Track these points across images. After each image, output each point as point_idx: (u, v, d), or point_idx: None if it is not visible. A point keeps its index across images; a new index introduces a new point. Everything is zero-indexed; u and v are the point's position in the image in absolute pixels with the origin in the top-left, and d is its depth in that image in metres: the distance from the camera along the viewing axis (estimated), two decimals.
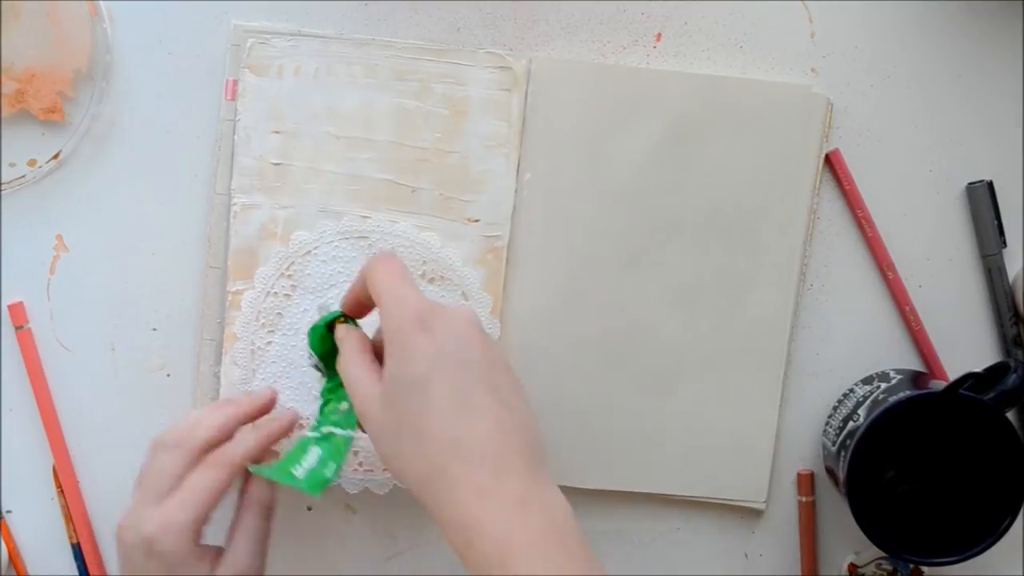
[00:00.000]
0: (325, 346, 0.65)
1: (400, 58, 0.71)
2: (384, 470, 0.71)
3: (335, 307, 0.65)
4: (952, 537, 0.68)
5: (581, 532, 0.56)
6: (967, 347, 0.74)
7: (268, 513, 0.67)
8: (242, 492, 0.67)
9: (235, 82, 0.72)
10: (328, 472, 0.63)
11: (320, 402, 0.66)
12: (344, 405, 0.65)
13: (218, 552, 0.65)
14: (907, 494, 0.70)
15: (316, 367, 0.67)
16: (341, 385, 0.63)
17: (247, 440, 0.66)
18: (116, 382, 0.74)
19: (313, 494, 0.63)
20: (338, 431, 0.65)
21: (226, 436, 0.66)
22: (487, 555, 0.54)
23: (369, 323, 0.64)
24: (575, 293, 0.73)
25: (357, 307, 0.65)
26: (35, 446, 0.74)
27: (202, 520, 0.63)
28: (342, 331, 0.64)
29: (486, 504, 0.55)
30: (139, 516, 0.63)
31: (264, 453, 0.67)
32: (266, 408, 0.68)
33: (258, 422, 0.68)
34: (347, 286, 0.70)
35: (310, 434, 0.65)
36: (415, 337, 0.58)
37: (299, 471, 0.64)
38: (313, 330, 0.65)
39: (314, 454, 0.64)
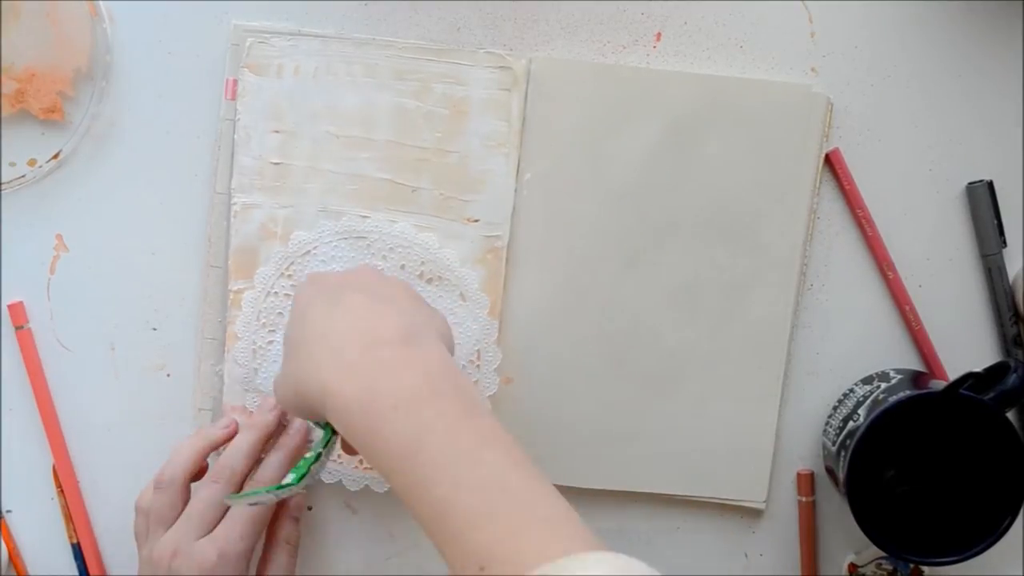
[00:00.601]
0: None
1: (400, 58, 0.71)
2: None
3: None
4: (952, 537, 0.68)
5: (460, 380, 0.58)
6: (967, 347, 0.74)
7: (295, 551, 0.71)
8: (270, 532, 0.70)
9: (235, 82, 0.72)
10: (287, 480, 0.63)
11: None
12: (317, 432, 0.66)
13: None
14: (907, 494, 0.70)
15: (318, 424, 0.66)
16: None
17: (274, 463, 0.68)
18: (116, 382, 0.74)
19: (270, 492, 0.63)
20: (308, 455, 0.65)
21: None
22: (358, 425, 0.56)
23: None
24: (575, 293, 0.73)
25: None
26: (35, 446, 0.74)
27: (253, 548, 0.67)
28: None
29: (354, 377, 0.57)
30: (185, 545, 0.65)
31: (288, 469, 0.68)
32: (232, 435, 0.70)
33: (280, 442, 0.70)
34: None
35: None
36: (302, 288, 0.65)
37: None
38: None
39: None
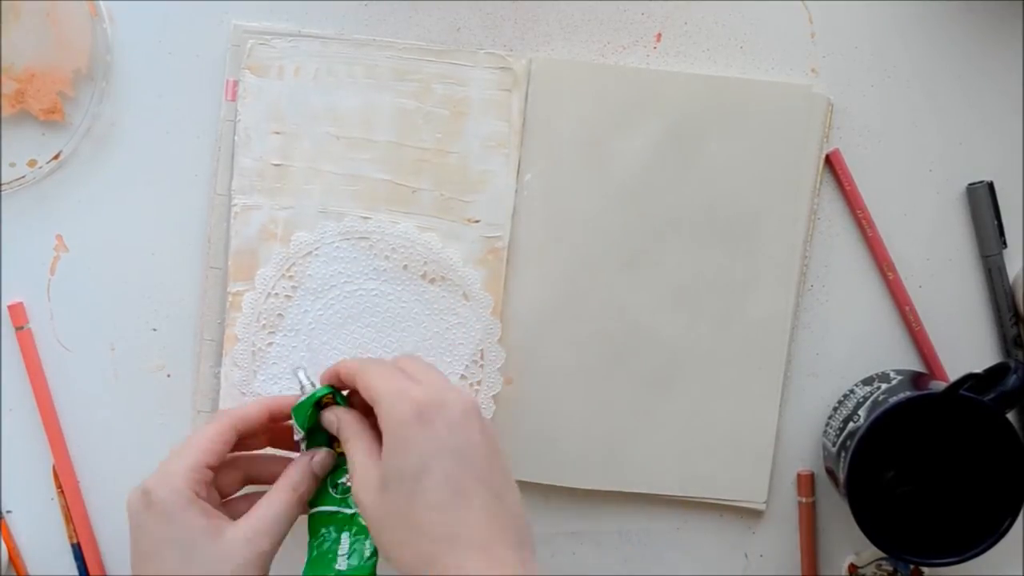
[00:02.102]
0: (311, 422, 0.65)
1: (400, 58, 0.71)
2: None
3: (312, 374, 0.66)
4: (952, 537, 0.68)
5: None
6: (967, 347, 0.74)
7: (300, 500, 0.65)
8: (282, 476, 0.65)
9: (235, 83, 0.72)
10: (367, 551, 0.63)
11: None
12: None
13: (227, 514, 0.63)
14: (907, 494, 0.70)
15: (302, 441, 0.65)
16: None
17: (246, 400, 0.67)
18: (116, 382, 0.74)
19: None
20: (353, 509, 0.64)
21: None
22: None
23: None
24: (575, 293, 0.73)
25: (339, 382, 0.65)
26: (35, 446, 0.74)
27: (200, 468, 0.62)
28: (335, 415, 0.64)
29: None
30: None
31: (262, 413, 0.65)
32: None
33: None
34: (348, 287, 0.70)
35: (322, 509, 0.65)
36: (413, 430, 0.59)
37: (341, 563, 0.64)
38: (299, 407, 0.64)
39: (345, 542, 0.64)
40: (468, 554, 0.57)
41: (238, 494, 0.66)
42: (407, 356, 0.65)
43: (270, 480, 0.65)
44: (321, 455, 0.65)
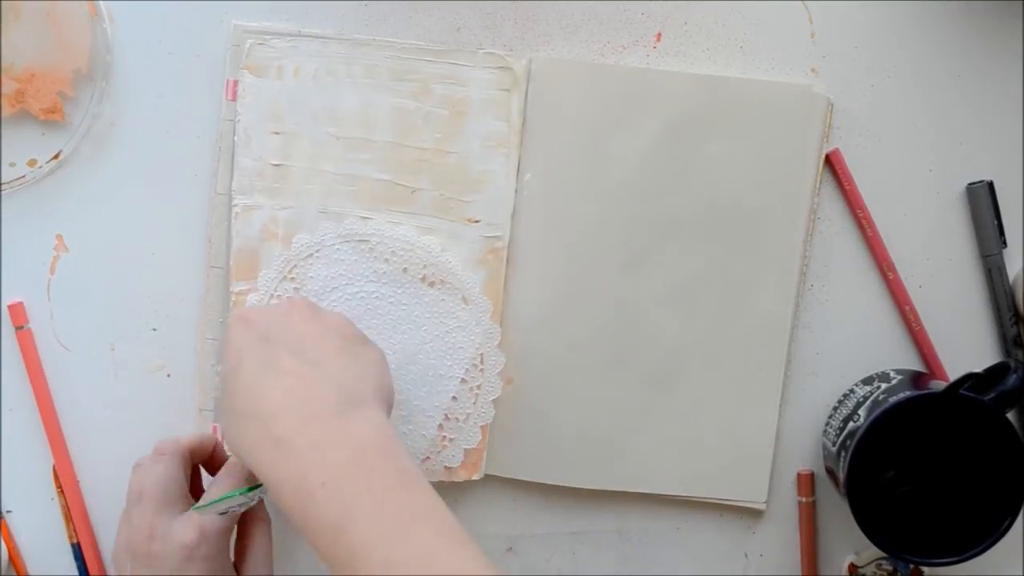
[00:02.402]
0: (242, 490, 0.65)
1: (399, 58, 0.71)
2: None
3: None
4: (952, 537, 0.68)
5: (394, 452, 0.58)
6: (967, 347, 0.74)
7: (269, 526, 0.68)
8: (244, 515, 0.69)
9: (235, 82, 0.72)
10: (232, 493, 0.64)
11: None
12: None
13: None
14: (907, 494, 0.70)
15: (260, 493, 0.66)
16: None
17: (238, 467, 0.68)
18: (116, 382, 0.74)
19: (243, 494, 0.64)
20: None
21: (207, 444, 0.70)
22: (290, 503, 0.57)
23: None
24: (575, 293, 0.73)
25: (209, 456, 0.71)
26: (35, 446, 0.74)
27: (233, 526, 0.66)
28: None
29: (285, 456, 0.57)
30: (162, 526, 0.64)
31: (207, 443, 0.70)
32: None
33: None
34: (348, 289, 0.71)
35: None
36: (233, 331, 0.63)
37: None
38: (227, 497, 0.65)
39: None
40: (271, 421, 0.58)
41: None
42: None
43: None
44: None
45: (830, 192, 0.74)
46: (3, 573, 0.73)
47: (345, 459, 0.57)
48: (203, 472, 0.71)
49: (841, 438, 0.69)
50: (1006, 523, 0.68)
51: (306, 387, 0.60)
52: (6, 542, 0.74)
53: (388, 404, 0.63)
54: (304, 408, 0.59)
